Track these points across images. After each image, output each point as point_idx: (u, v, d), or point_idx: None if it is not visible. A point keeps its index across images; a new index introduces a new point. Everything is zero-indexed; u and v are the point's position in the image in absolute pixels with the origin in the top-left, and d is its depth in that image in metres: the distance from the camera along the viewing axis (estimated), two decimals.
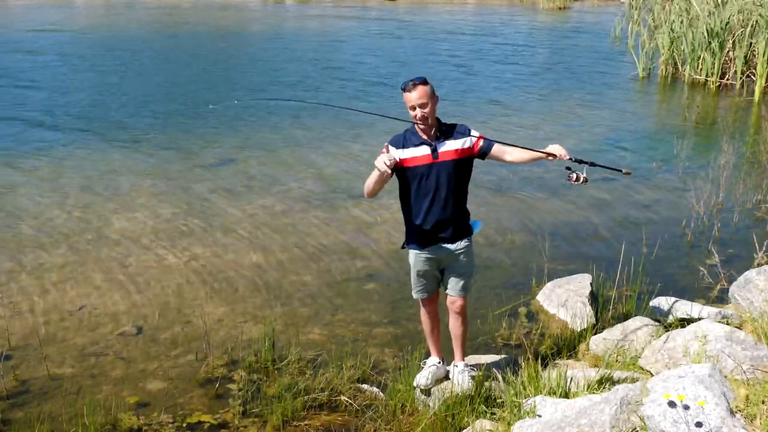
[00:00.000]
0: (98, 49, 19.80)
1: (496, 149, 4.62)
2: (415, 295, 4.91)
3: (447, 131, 4.55)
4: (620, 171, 4.95)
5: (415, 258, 4.74)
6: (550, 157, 4.56)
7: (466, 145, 4.57)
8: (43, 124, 12.20)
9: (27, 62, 17.51)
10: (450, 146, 4.54)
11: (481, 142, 4.60)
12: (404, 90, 4.47)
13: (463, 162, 4.61)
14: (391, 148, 4.56)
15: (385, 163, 4.33)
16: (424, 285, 4.82)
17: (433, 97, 4.49)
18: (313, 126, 12.00)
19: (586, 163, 4.62)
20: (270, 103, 13.71)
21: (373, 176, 4.45)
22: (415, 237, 4.68)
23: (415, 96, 4.43)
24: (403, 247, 4.85)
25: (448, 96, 13.87)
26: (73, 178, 9.57)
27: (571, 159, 4.56)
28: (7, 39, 20.95)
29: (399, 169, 4.54)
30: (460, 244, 4.71)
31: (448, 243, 4.67)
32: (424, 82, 4.48)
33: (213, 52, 19.70)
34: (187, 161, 10.30)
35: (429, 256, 4.70)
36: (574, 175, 4.65)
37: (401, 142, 4.56)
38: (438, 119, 4.58)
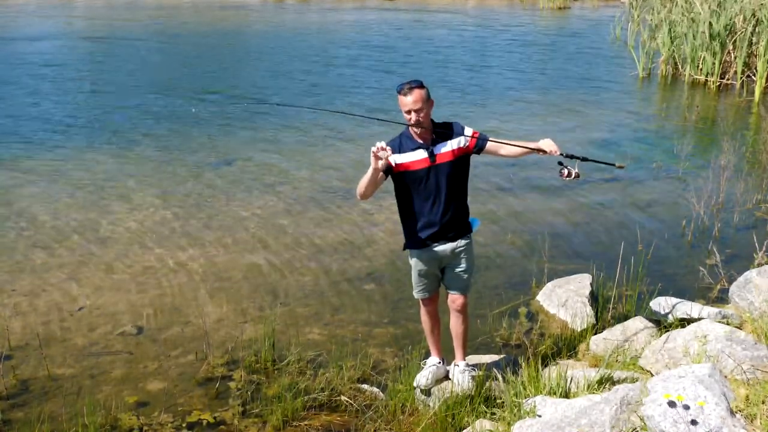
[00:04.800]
0: (98, 50, 19.80)
1: (491, 145, 4.64)
2: (416, 295, 4.91)
3: (442, 132, 4.55)
4: (613, 165, 4.93)
5: (417, 258, 4.74)
6: (541, 152, 4.56)
7: (462, 144, 4.58)
8: (42, 125, 12.20)
9: (26, 63, 17.50)
10: (446, 147, 4.54)
11: (476, 140, 4.60)
12: (399, 93, 4.44)
13: (461, 161, 4.61)
14: (388, 150, 4.54)
15: (377, 151, 4.26)
16: (425, 285, 4.82)
17: (428, 102, 4.46)
18: (312, 126, 12.00)
19: (577, 158, 4.61)
20: (270, 103, 13.70)
21: (366, 177, 4.42)
22: (417, 238, 4.68)
23: (410, 100, 4.41)
24: (404, 249, 4.84)
25: (448, 96, 13.88)
26: (73, 179, 9.57)
27: (562, 154, 4.55)
28: (7, 39, 20.94)
29: (396, 173, 4.53)
30: (461, 243, 4.71)
31: (449, 242, 4.68)
32: (420, 86, 4.44)
33: (213, 52, 19.69)
34: (186, 161, 10.30)
35: (430, 255, 4.70)
36: (566, 171, 4.64)
37: (397, 146, 4.53)
38: (432, 120, 4.57)
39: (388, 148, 4.31)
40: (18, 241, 7.68)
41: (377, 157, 4.28)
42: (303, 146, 11.02)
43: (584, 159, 4.62)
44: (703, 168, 9.66)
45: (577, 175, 4.61)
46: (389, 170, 4.50)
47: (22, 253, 7.38)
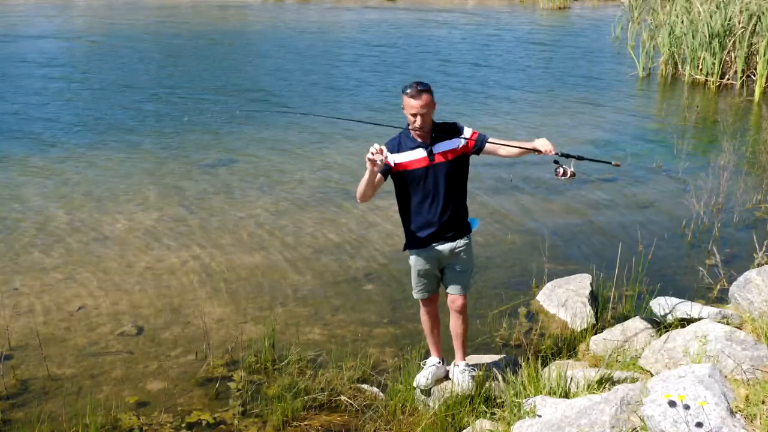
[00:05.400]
0: (98, 49, 19.80)
1: (490, 145, 4.64)
2: (415, 295, 4.91)
3: (441, 132, 4.55)
4: (609, 163, 4.91)
5: (416, 258, 4.74)
6: (536, 152, 4.56)
7: (461, 144, 4.58)
8: (43, 125, 12.19)
9: (26, 62, 17.50)
10: (445, 147, 4.55)
11: (474, 140, 4.60)
12: (406, 94, 4.42)
13: (460, 161, 4.62)
14: (385, 152, 4.55)
15: (372, 156, 4.20)
16: (424, 285, 4.82)
17: (433, 105, 4.47)
18: (311, 126, 11.99)
19: (573, 156, 4.60)
20: (269, 103, 13.71)
21: (364, 180, 4.41)
22: (416, 238, 4.68)
23: (416, 103, 4.39)
24: (404, 249, 4.84)
25: (448, 96, 13.88)
26: (73, 179, 9.57)
27: (557, 153, 4.55)
28: (7, 39, 20.93)
29: (396, 172, 4.54)
30: (460, 243, 4.72)
31: (448, 242, 4.68)
32: (428, 90, 4.42)
33: (213, 52, 19.69)
34: (187, 161, 10.30)
35: (430, 255, 4.70)
36: (561, 170, 4.63)
37: (396, 146, 4.55)
38: (432, 120, 4.57)
39: (384, 150, 4.26)
40: (18, 240, 7.67)
41: (373, 162, 4.24)
42: (303, 146, 11.02)
43: (580, 158, 4.62)
44: (703, 168, 9.66)
45: (573, 174, 4.60)
46: (388, 171, 4.50)
47: (22, 253, 7.37)
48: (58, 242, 7.64)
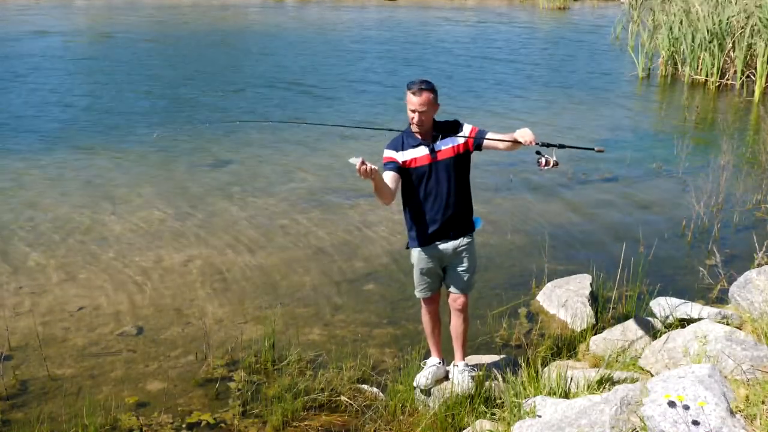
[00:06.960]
0: (98, 49, 19.80)
1: (488, 140, 4.65)
2: (417, 294, 4.91)
3: (443, 130, 4.59)
4: (592, 149, 4.87)
5: (419, 256, 4.75)
6: (516, 143, 4.55)
7: (461, 142, 4.62)
8: (43, 125, 12.19)
9: (26, 62, 17.49)
10: (447, 144, 4.60)
11: (473, 136, 4.63)
12: (409, 90, 4.49)
13: (461, 158, 4.65)
14: (388, 151, 4.59)
15: (360, 168, 4.13)
16: (428, 284, 4.82)
17: (434, 105, 4.53)
18: (311, 126, 11.97)
19: (554, 145, 4.56)
20: (269, 103, 13.71)
21: (373, 188, 4.41)
22: (419, 235, 4.69)
23: (416, 101, 4.46)
24: (407, 248, 4.85)
25: (448, 95, 13.86)
26: (73, 179, 9.56)
27: (538, 143, 4.53)
28: (6, 39, 20.92)
29: (401, 170, 4.56)
30: (464, 241, 4.73)
31: (451, 240, 4.70)
32: (431, 89, 4.49)
33: (213, 53, 19.69)
34: (186, 162, 10.29)
35: (432, 253, 4.71)
36: (543, 160, 4.59)
37: (399, 144, 4.59)
38: (434, 119, 4.60)
39: (364, 164, 4.13)
40: (18, 241, 7.67)
41: (364, 172, 4.15)
42: (302, 146, 11.01)
43: (561, 146, 4.59)
44: (703, 168, 9.66)
45: (556, 164, 4.57)
46: (398, 168, 4.51)
47: (22, 253, 7.37)
48: (58, 242, 7.64)
